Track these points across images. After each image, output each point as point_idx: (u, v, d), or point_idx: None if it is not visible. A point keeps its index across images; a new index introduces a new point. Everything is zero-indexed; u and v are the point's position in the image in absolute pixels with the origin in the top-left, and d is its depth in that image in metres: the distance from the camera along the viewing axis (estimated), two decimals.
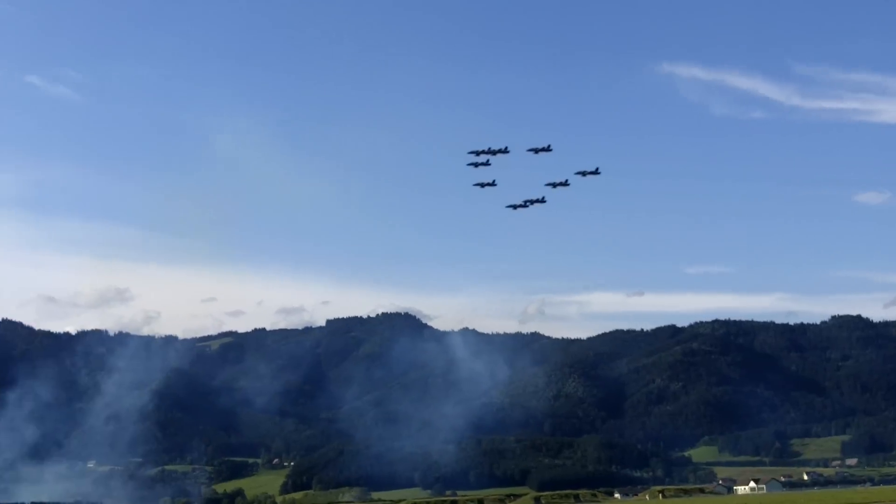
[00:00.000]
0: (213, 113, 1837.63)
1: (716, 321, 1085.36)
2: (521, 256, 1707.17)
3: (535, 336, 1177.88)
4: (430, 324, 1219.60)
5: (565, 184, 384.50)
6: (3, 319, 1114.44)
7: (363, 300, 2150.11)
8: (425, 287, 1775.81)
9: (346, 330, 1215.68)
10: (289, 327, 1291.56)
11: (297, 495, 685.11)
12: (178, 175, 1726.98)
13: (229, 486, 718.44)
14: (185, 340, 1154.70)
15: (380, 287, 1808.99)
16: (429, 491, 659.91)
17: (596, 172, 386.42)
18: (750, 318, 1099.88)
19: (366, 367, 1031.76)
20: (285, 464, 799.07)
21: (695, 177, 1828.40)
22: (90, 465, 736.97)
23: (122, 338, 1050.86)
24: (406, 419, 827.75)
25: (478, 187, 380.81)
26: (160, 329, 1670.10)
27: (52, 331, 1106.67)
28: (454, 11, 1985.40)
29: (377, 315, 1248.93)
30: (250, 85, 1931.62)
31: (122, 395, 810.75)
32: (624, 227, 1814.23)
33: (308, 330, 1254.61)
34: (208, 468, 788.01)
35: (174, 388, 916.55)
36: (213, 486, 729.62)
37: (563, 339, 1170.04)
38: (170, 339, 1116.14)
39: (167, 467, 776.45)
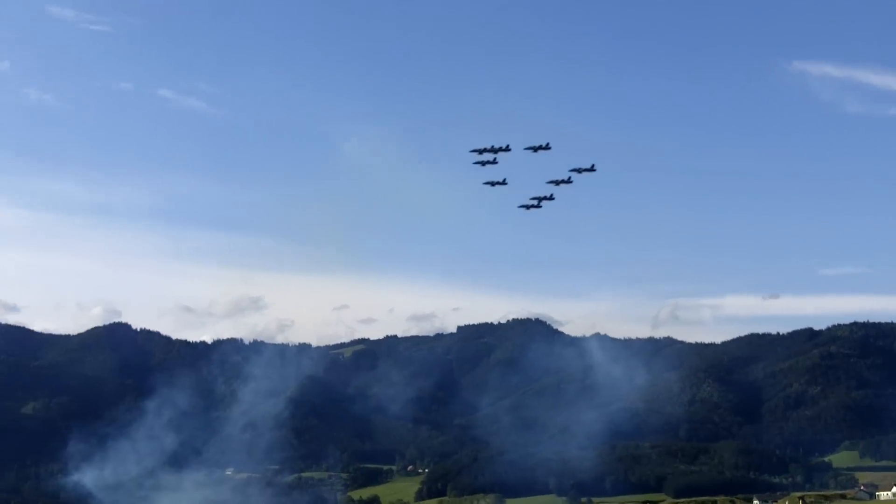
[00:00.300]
0: (341, 120, 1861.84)
1: (854, 323, 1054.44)
2: (652, 260, 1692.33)
3: (668, 340, 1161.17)
4: (561, 329, 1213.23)
5: (568, 181, 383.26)
6: (141, 329, 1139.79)
7: (493, 306, 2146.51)
8: (554, 292, 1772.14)
9: (477, 336, 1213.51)
10: (420, 334, 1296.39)
11: (432, 502, 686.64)
12: (309, 183, 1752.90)
13: (365, 493, 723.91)
14: (318, 348, 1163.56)
15: (509, 293, 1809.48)
16: (564, 497, 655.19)
17: (591, 169, 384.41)
18: (890, 320, 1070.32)
19: (498, 374, 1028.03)
20: (420, 470, 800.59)
21: (829, 176, 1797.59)
22: (228, 472, 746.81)
23: (257, 346, 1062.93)
24: (540, 425, 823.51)
25: (488, 186, 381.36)
26: (294, 337, 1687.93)
27: (188, 340, 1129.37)
28: (592, 13, 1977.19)
29: (508, 321, 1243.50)
30: (377, 91, 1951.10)
31: (257, 402, 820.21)
32: (757, 229, 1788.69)
33: (439, 336, 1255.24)
34: (344, 475, 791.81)
35: (309, 396, 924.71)
36: (349, 493, 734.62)
37: (696, 343, 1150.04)
38: (303, 347, 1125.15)
39: (303, 474, 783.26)
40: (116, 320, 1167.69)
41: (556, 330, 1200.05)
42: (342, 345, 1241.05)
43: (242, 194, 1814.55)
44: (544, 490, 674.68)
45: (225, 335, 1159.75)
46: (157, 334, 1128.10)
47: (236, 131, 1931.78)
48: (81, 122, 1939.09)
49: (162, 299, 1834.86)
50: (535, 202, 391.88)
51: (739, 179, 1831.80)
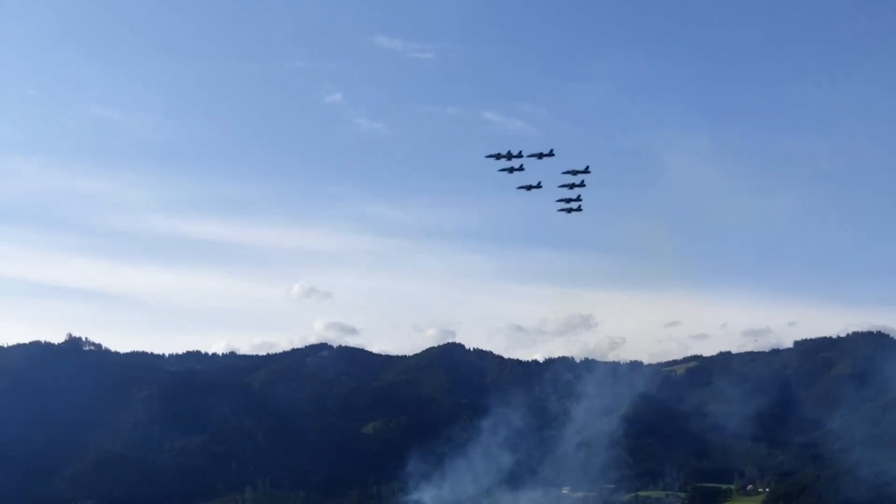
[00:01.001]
0: (664, 131, 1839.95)
1: None
2: None
3: None
4: None
5: (582, 185, 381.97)
6: (474, 349, 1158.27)
7: (831, 319, 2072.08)
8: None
9: (815, 351, 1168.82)
10: (755, 350, 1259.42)
11: None
12: (634, 198, 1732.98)
13: None
14: (650, 365, 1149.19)
15: (848, 305, 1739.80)
16: None
17: (586, 171, 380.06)
18: None
19: (842, 389, 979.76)
20: (760, 489, 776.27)
21: None
22: (564, 491, 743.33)
23: (589, 364, 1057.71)
24: (891, 442, 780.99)
25: (523, 190, 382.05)
26: (625, 355, 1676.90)
27: (520, 359, 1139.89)
28: None
29: (849, 334, 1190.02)
30: (702, 99, 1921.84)
31: (591, 421, 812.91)
32: None
33: (775, 352, 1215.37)
34: (681, 494, 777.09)
35: (643, 414, 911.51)
36: None
37: None
38: (635, 365, 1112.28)
39: (640, 493, 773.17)
40: (450, 341, 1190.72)
41: None
42: (674, 362, 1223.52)
43: (569, 214, 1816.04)
44: None
45: (556, 354, 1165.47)
46: (490, 354, 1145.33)
47: (559, 149, 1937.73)
48: (411, 147, 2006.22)
49: (493, 319, 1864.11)
50: (576, 205, 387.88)
51: None
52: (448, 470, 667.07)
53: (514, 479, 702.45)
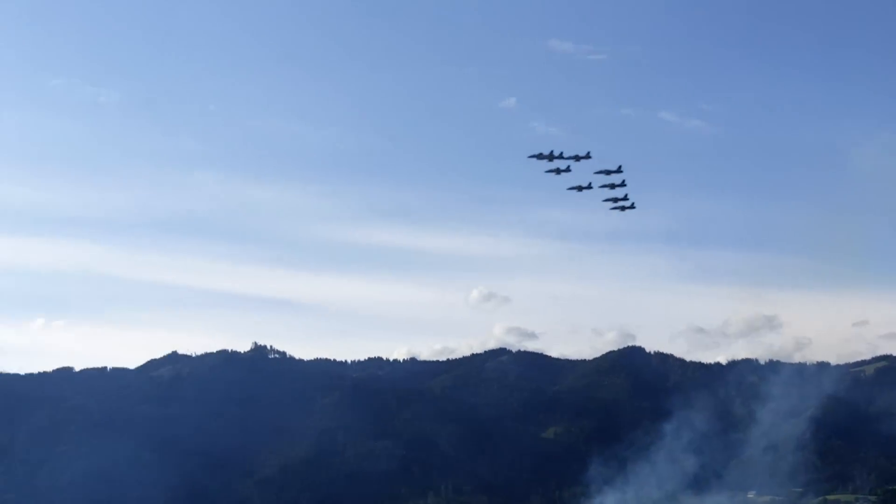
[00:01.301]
0: (851, 125, 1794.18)
1: None
2: None
3: None
4: None
5: (623, 184, 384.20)
6: (655, 352, 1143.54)
7: None
8: None
9: None
10: None
11: None
12: (817, 195, 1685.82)
13: None
14: (837, 366, 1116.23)
15: None
16: None
17: (619, 171, 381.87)
18: None
19: None
20: None
21: None
22: (750, 495, 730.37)
23: (774, 366, 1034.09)
24: None
25: (574, 191, 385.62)
26: (811, 356, 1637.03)
27: (702, 361, 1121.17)
28: None
29: None
30: (888, 90, 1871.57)
31: (777, 423, 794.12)
32: None
33: None
34: (871, 497, 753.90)
35: (831, 416, 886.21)
36: None
37: None
38: (822, 366, 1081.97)
39: (829, 497, 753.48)
40: (630, 344, 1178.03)
41: None
42: (863, 362, 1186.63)
43: (749, 211, 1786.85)
44: None
45: (739, 355, 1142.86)
46: (671, 356, 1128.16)
47: (738, 148, 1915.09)
48: (585, 150, 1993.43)
49: (674, 321, 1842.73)
50: (627, 203, 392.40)
51: None
52: (631, 474, 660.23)
53: (698, 483, 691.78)
